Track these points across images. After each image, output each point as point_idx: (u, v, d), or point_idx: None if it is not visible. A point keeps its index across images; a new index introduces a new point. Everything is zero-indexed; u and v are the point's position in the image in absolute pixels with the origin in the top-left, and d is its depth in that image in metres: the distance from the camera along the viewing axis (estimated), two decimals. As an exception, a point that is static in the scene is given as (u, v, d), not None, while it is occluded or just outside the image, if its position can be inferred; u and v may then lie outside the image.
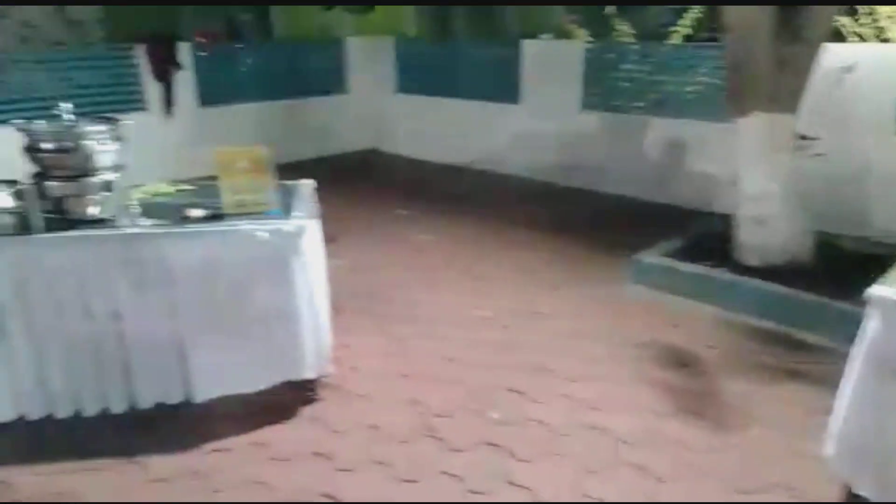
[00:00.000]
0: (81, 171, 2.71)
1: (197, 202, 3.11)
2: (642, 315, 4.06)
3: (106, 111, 6.69)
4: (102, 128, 2.75)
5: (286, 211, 3.03)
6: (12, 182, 3.14)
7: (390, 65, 8.69)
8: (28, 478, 2.63)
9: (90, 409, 2.92)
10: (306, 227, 2.87)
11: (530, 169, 7.33)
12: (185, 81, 7.25)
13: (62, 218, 2.80)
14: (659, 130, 6.41)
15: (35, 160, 2.72)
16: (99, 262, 2.73)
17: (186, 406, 2.99)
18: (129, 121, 2.83)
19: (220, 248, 2.80)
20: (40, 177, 2.74)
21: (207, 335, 2.88)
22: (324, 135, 8.49)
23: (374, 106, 8.91)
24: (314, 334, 3.00)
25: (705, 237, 4.80)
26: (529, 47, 7.22)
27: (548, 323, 3.96)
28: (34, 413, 2.88)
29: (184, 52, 7.19)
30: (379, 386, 3.27)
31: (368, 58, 8.78)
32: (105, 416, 2.93)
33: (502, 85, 7.48)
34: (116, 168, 2.81)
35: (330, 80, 8.69)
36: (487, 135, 7.71)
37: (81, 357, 2.83)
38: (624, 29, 7.26)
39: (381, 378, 3.35)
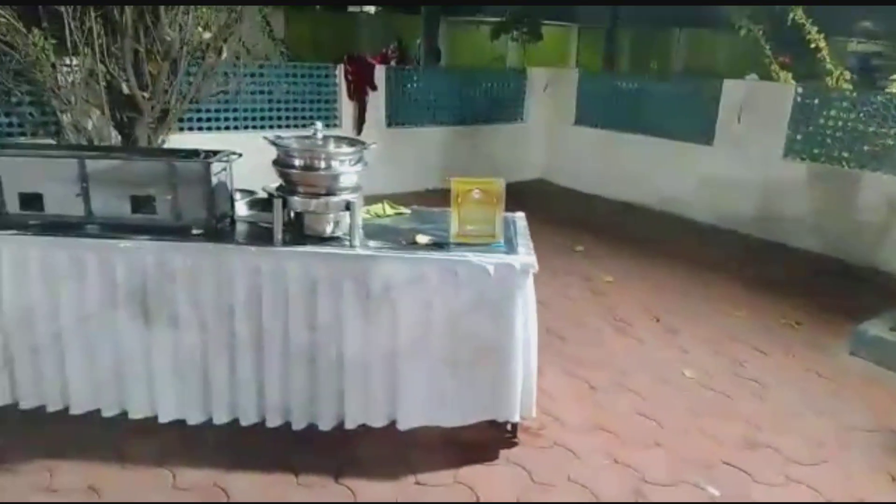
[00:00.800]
0: (327, 189, 2.76)
1: (418, 228, 3.11)
2: (866, 393, 3.62)
3: (301, 125, 7.13)
4: (351, 149, 2.79)
5: (508, 244, 2.94)
6: (249, 192, 3.30)
7: (572, 96, 8.55)
8: (243, 483, 2.68)
9: (299, 423, 2.95)
10: (533, 264, 2.76)
11: (719, 216, 6.88)
12: (376, 102, 7.50)
13: (299, 233, 2.87)
14: (874, 187, 5.79)
15: (283, 174, 2.80)
16: (330, 279, 2.76)
17: (389, 432, 2.95)
18: (373, 144, 2.85)
19: (447, 277, 2.74)
20: (284, 190, 2.81)
21: (421, 363, 2.84)
22: (497, 162, 8.46)
23: (549, 136, 8.81)
24: (526, 375, 2.88)
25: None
26: (730, 86, 6.81)
27: (758, 392, 3.60)
28: (247, 419, 2.95)
29: (380, 74, 7.44)
30: (578, 438, 3.08)
31: (550, 88, 8.69)
32: (311, 431, 2.96)
33: (695, 124, 7.12)
34: (356, 189, 2.84)
35: (510, 108, 8.70)
36: (672, 175, 7.34)
37: (299, 370, 2.87)
38: (839, 74, 6.67)
39: (578, 429, 3.16)
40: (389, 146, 7.38)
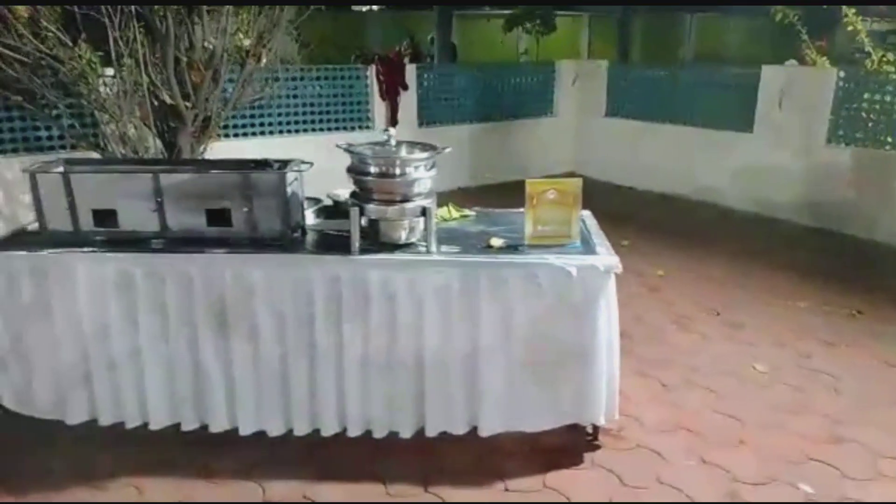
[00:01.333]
0: (402, 196, 2.72)
1: (488, 230, 3.08)
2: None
3: (333, 127, 7.11)
4: (425, 154, 2.75)
5: (585, 244, 2.90)
6: (315, 199, 3.27)
7: (602, 87, 8.47)
8: (332, 494, 2.66)
9: (380, 432, 2.93)
10: (616, 265, 2.71)
11: (760, 203, 6.79)
12: (408, 101, 7.46)
13: (374, 240, 2.84)
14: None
15: (357, 182, 2.77)
16: (409, 286, 2.73)
17: (470, 439, 2.92)
18: (447, 148, 2.81)
19: (528, 281, 2.70)
20: (358, 197, 2.78)
21: (502, 369, 2.80)
22: (527, 157, 8.42)
23: (579, 129, 8.74)
24: (609, 378, 2.83)
25: None
26: (769, 72, 6.71)
27: (831, 384, 3.53)
28: (328, 429, 2.93)
29: (410, 73, 7.40)
30: (660, 438, 3.04)
31: (579, 80, 8.62)
32: (392, 439, 2.93)
33: (733, 112, 7.03)
34: (430, 194, 2.80)
35: (539, 102, 8.63)
36: (709, 164, 7.26)
37: (379, 378, 2.84)
38: (881, 56, 6.55)
39: (658, 429, 3.11)
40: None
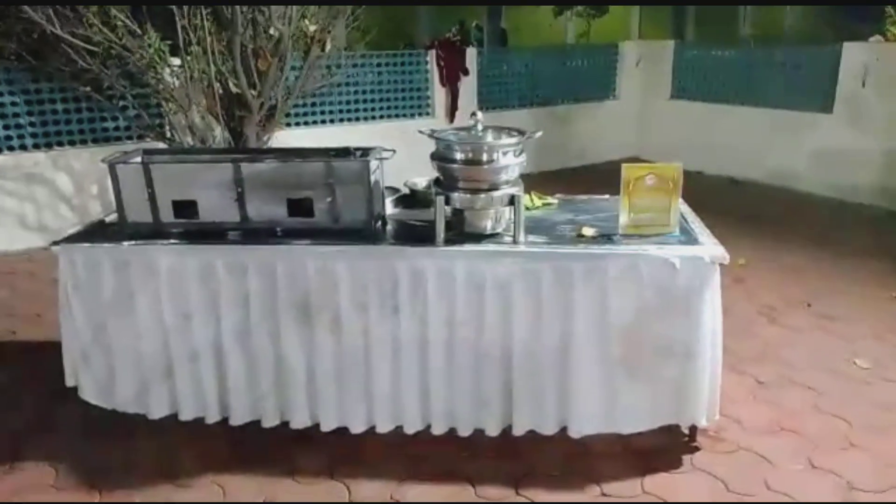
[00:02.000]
0: (490, 184, 2.58)
1: (576, 219, 2.92)
2: None
3: (394, 114, 7.00)
4: (513, 140, 2.60)
5: (685, 234, 2.72)
6: (393, 189, 3.16)
7: (667, 69, 8.16)
8: (420, 495, 2.55)
9: (465, 429, 2.81)
10: (723, 256, 2.53)
11: (840, 188, 6.44)
12: (467, 87, 7.30)
13: (460, 230, 2.72)
14: None
15: (442, 169, 2.64)
16: (498, 278, 2.59)
17: (558, 438, 2.78)
18: (538, 133, 2.66)
19: (627, 273, 2.54)
20: (443, 186, 2.65)
21: (596, 366, 2.65)
22: (589, 141, 8.19)
23: (643, 112, 8.46)
24: (711, 377, 2.66)
25: None
26: (851, 49, 6.33)
27: (945, 382, 3.28)
28: (412, 426, 2.83)
29: (471, 58, 7.24)
30: (762, 440, 2.84)
31: (643, 62, 8.32)
32: (478, 437, 2.81)
33: (810, 91, 6.67)
34: (517, 182, 2.66)
35: (601, 85, 8.37)
36: (783, 146, 6.92)
37: (464, 374, 2.72)
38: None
39: (759, 430, 2.92)
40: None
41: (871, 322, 3.90)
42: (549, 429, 2.78)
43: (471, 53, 7.28)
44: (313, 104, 6.58)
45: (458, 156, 2.59)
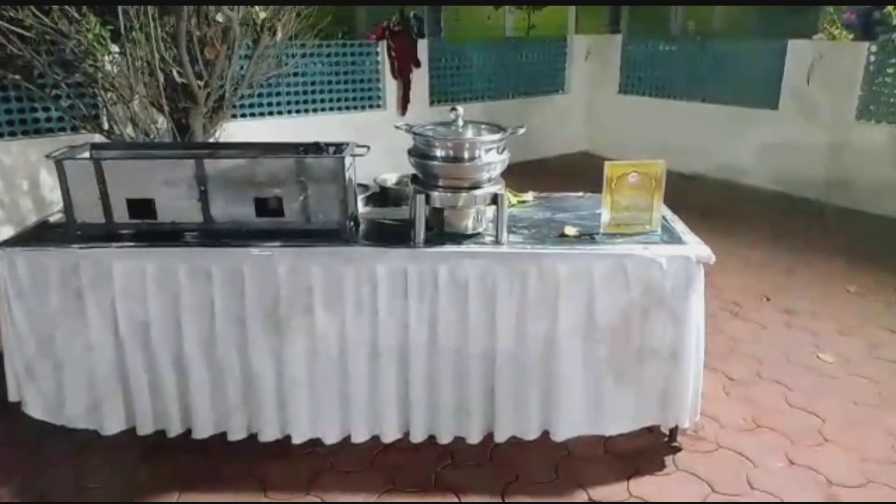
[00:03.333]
0: (473, 183, 2.48)
1: (556, 217, 2.85)
2: None
3: (344, 107, 6.81)
4: (497, 136, 2.50)
5: (667, 232, 2.68)
6: (363, 186, 3.01)
7: (615, 63, 8.21)
8: (398, 501, 2.44)
9: (445, 437, 2.70)
10: (709, 256, 2.49)
11: (786, 183, 6.61)
12: (420, 79, 7.16)
13: (439, 230, 2.60)
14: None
15: (421, 166, 2.52)
16: (482, 280, 2.49)
17: (540, 444, 2.71)
18: (521, 128, 2.56)
19: (613, 273, 2.48)
20: (421, 184, 2.53)
21: (580, 368, 2.58)
22: (539, 135, 8.13)
23: (592, 107, 8.50)
24: (695, 376, 2.63)
25: None
26: (797, 47, 6.48)
27: (907, 374, 3.37)
28: (389, 435, 2.70)
29: (423, 50, 7.10)
30: (741, 438, 2.85)
31: (593, 56, 8.35)
32: (458, 445, 2.71)
33: (757, 88, 6.81)
34: (499, 180, 2.56)
35: (550, 78, 8.36)
36: (731, 142, 7.04)
37: (446, 380, 2.61)
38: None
39: (737, 428, 2.92)
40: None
41: (832, 316, 3.97)
42: (531, 434, 2.70)
43: (422, 45, 7.13)
44: (260, 95, 6.31)
45: (440, 153, 2.47)
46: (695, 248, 2.51)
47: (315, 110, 6.67)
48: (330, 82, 6.74)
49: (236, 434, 2.70)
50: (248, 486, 2.52)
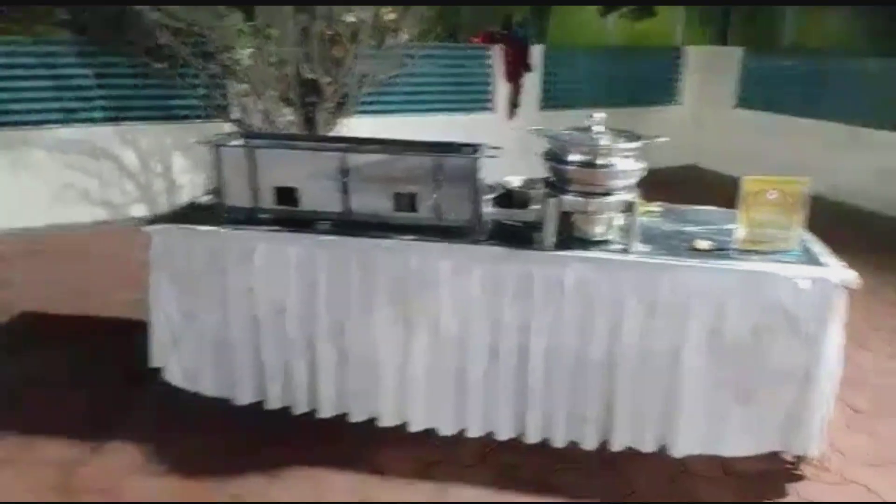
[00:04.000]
0: (606, 189, 2.48)
1: (685, 230, 2.81)
2: None
3: (452, 108, 6.89)
4: (635, 143, 2.50)
5: (805, 253, 2.59)
6: (490, 187, 3.06)
7: (733, 76, 7.96)
8: (514, 499, 2.48)
9: (560, 441, 2.72)
10: (853, 280, 2.40)
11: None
12: (531, 84, 7.18)
13: (568, 235, 2.62)
14: None
15: (555, 170, 2.55)
16: (609, 288, 2.49)
17: (656, 457, 2.68)
18: (664, 138, 2.55)
19: (747, 291, 2.42)
20: (554, 187, 2.56)
21: (705, 385, 2.54)
22: (651, 146, 8.00)
23: (703, 119, 8.26)
24: (827, 404, 2.54)
25: None
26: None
27: None
28: (504, 433, 2.75)
29: (535, 54, 7.12)
30: (869, 473, 2.72)
31: (709, 68, 8.13)
32: (573, 450, 2.72)
33: (880, 108, 6.44)
34: (634, 187, 2.55)
35: (663, 89, 8.20)
36: (851, 163, 6.68)
37: (564, 384, 2.63)
38: None
39: (863, 461, 2.79)
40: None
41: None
42: (648, 446, 2.68)
43: (535, 50, 7.14)
44: (371, 93, 6.48)
45: (576, 157, 2.49)
46: (837, 270, 2.43)
47: (425, 111, 6.80)
48: (442, 84, 6.85)
49: (358, 416, 2.81)
50: (367, 468, 2.62)
